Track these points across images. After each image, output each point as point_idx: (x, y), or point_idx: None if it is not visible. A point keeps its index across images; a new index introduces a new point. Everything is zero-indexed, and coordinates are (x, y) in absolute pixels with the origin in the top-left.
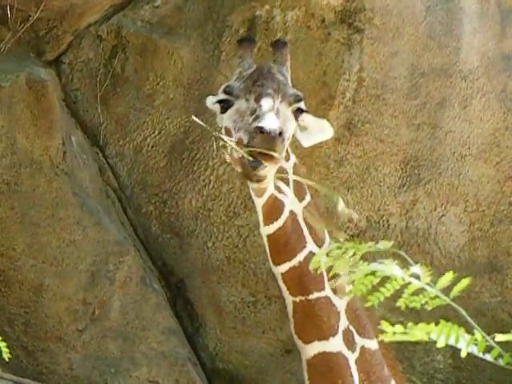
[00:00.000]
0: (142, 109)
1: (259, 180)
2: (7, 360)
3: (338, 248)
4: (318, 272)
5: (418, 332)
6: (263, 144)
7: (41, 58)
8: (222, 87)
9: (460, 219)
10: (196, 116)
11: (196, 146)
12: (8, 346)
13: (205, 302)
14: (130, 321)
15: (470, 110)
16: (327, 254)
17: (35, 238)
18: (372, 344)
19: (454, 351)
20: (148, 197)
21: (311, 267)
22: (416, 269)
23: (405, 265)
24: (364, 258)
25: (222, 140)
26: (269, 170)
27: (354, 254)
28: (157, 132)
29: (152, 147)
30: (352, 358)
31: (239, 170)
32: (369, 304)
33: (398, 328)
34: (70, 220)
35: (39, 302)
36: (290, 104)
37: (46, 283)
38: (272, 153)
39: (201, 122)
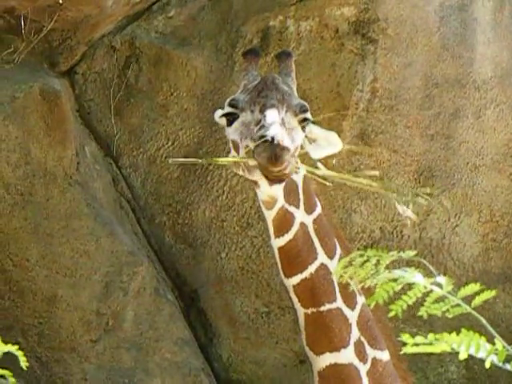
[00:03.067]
0: (156, 119)
1: (279, 175)
2: (25, 368)
3: (361, 256)
4: (343, 281)
5: (440, 342)
6: (268, 152)
7: (54, 69)
8: (228, 100)
9: (474, 230)
10: (210, 126)
11: (210, 157)
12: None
13: (218, 313)
14: (143, 331)
15: (484, 121)
16: (350, 263)
17: (49, 248)
18: (384, 355)
19: (467, 362)
20: (161, 207)
21: (335, 277)
22: (439, 278)
23: (426, 274)
24: (385, 266)
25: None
26: (288, 156)
27: (378, 262)
28: (170, 142)
29: (166, 158)
30: (363, 369)
31: (252, 177)
32: (392, 314)
33: (419, 339)
34: (83, 230)
35: (53, 312)
36: (296, 114)
37: (60, 294)
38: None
39: (184, 160)
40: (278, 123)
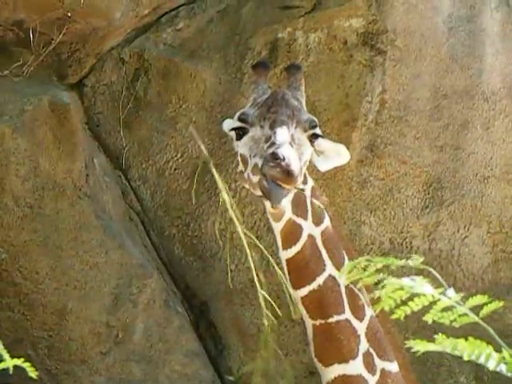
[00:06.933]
0: (165, 132)
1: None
2: (35, 378)
3: (367, 261)
4: (348, 285)
5: (448, 347)
6: (278, 171)
7: (63, 82)
8: (237, 114)
9: (483, 241)
10: (219, 138)
11: (218, 169)
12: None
13: (228, 325)
14: (153, 343)
15: (493, 132)
16: (355, 267)
17: (58, 261)
18: (392, 366)
19: (477, 373)
20: (171, 219)
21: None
22: (449, 291)
23: (433, 283)
24: (393, 275)
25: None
26: (286, 195)
27: (383, 267)
28: (179, 155)
29: (175, 170)
30: (372, 380)
31: (258, 193)
32: (395, 317)
33: (430, 347)
34: (92, 243)
35: (63, 325)
36: (305, 130)
37: (70, 306)
38: (285, 185)
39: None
40: (287, 143)
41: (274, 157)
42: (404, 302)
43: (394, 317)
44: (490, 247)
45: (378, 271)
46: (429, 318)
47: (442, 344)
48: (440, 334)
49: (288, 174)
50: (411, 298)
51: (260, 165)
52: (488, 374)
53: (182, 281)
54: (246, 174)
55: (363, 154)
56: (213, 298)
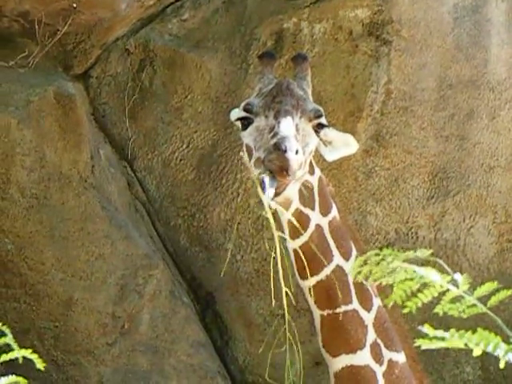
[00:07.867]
0: (170, 122)
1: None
2: (42, 369)
3: (376, 255)
4: (358, 280)
5: (457, 339)
6: (278, 161)
7: (69, 72)
8: (242, 104)
9: (489, 231)
10: (224, 128)
11: (224, 159)
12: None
13: (234, 315)
14: (159, 334)
15: (499, 121)
16: (365, 262)
17: (64, 251)
18: (400, 357)
19: (483, 363)
20: (177, 210)
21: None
22: (456, 276)
23: (440, 273)
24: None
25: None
26: (284, 188)
27: (393, 260)
28: (185, 145)
29: (180, 160)
30: (380, 371)
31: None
32: (406, 310)
33: (437, 332)
34: (98, 234)
35: (69, 315)
36: (310, 120)
37: (76, 297)
38: (279, 178)
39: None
40: (292, 135)
41: (277, 147)
42: (414, 294)
43: (405, 311)
44: (496, 237)
45: (388, 263)
46: (439, 310)
47: (450, 341)
48: (448, 325)
49: (284, 167)
50: (420, 288)
51: (262, 158)
52: (494, 364)
53: (188, 271)
54: (249, 165)
55: (369, 144)
56: (218, 289)
